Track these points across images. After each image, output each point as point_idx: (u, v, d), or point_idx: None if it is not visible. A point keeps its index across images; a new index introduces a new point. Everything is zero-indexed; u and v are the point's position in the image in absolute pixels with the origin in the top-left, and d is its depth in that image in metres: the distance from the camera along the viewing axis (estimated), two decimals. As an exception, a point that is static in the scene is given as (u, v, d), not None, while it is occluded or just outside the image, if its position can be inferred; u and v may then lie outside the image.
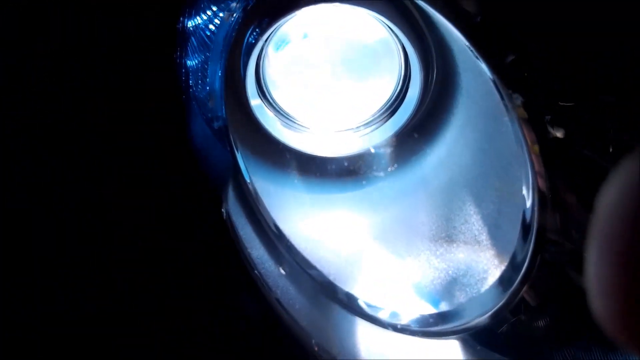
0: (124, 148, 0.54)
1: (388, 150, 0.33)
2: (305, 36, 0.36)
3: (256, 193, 0.33)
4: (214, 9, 0.35)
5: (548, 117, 0.28)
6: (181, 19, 0.38)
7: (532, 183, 0.28)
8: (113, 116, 0.48)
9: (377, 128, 0.34)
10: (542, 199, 0.27)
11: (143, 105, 0.45)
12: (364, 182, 0.33)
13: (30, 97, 0.54)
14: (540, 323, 0.27)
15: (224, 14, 0.35)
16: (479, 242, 0.32)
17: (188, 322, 0.44)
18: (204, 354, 0.43)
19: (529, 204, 0.28)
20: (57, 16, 0.52)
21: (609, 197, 0.15)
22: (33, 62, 0.53)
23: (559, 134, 0.26)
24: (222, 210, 0.34)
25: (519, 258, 0.29)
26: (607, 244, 0.15)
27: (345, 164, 0.34)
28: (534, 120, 0.27)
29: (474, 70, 0.31)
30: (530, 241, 0.28)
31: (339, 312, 0.31)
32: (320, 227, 0.33)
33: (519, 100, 0.26)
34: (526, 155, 0.27)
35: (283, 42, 0.35)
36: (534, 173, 0.28)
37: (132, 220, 0.49)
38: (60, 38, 0.53)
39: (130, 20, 0.46)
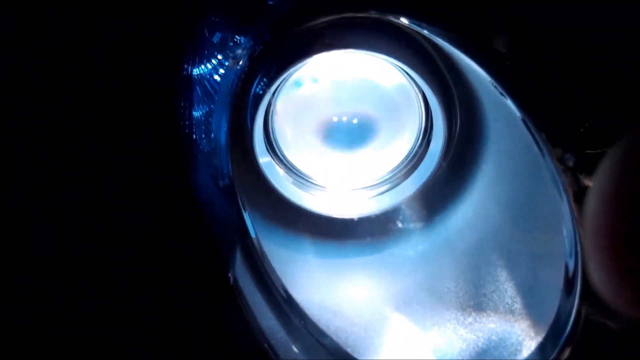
0: (124, 148, 0.54)
1: (409, 210, 0.31)
2: (315, 81, 0.34)
3: (265, 257, 0.30)
4: (219, 57, 0.33)
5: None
6: (185, 65, 0.36)
7: (574, 242, 0.25)
8: (113, 116, 0.47)
9: (396, 186, 0.31)
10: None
11: (144, 105, 0.44)
12: (383, 246, 0.31)
13: (30, 97, 0.54)
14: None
15: (229, 61, 0.33)
16: (512, 311, 0.29)
17: (188, 322, 0.42)
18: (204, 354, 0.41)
19: (571, 267, 0.25)
20: (57, 16, 0.52)
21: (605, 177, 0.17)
22: (33, 62, 0.53)
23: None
24: (229, 275, 0.31)
25: (560, 326, 0.26)
26: (604, 220, 0.16)
27: (364, 225, 0.31)
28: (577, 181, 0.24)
29: (503, 118, 0.28)
30: (572, 310, 0.25)
31: None
32: (335, 294, 0.31)
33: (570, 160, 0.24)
34: (568, 210, 0.24)
35: (292, 91, 0.33)
36: (576, 229, 0.25)
37: (132, 220, 0.49)
38: (60, 38, 0.53)
39: (130, 20, 0.45)
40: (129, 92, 0.43)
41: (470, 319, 0.29)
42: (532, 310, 0.28)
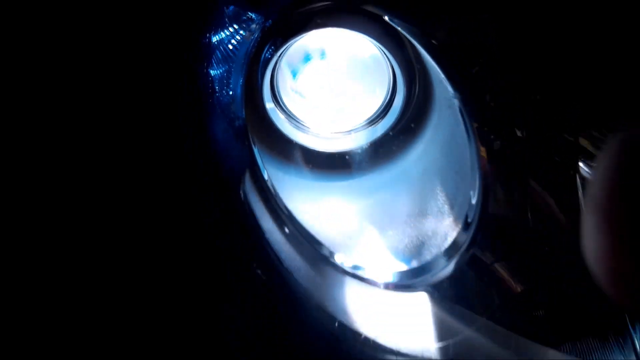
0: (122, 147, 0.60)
1: (378, 148, 0.41)
2: (309, 58, 0.44)
3: (269, 179, 0.41)
4: (236, 27, 0.43)
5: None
6: (207, 34, 0.46)
7: (477, 174, 0.36)
8: (143, 78, 0.54)
9: (369, 129, 0.42)
10: (486, 179, 0.36)
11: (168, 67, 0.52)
12: (358, 174, 0.42)
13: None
14: (491, 276, 0.35)
15: (245, 32, 0.43)
16: (442, 214, 0.40)
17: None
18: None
19: (477, 185, 0.37)
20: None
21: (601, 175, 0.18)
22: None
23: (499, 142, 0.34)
24: (240, 192, 0.41)
25: (470, 221, 0.38)
26: (599, 216, 0.17)
27: (343, 158, 0.42)
28: (483, 134, 0.36)
29: (443, 86, 0.39)
30: (478, 212, 0.37)
31: (334, 275, 0.39)
32: (323, 209, 0.41)
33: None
34: (475, 153, 0.36)
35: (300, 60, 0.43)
36: (480, 164, 0.36)
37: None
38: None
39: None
40: (156, 57, 0.52)
41: (415, 222, 0.41)
42: (455, 212, 0.40)
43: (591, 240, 0.19)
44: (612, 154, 0.19)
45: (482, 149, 0.33)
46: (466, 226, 0.36)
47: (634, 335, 0.35)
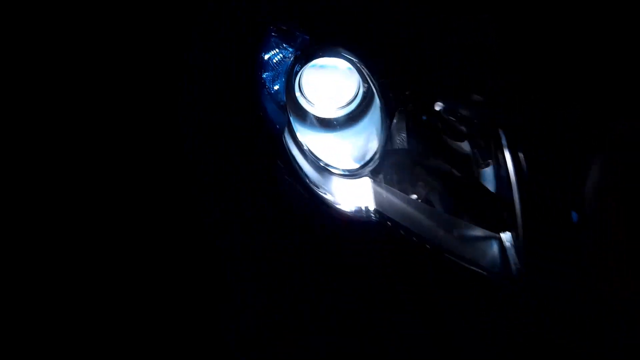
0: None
1: (349, 116, 0.84)
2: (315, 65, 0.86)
3: (296, 131, 0.83)
4: (281, 54, 0.85)
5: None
6: (263, 54, 0.88)
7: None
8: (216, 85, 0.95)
9: (346, 107, 0.85)
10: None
11: (239, 76, 0.93)
12: (340, 128, 0.84)
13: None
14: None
15: (285, 56, 0.84)
16: (373, 140, 0.82)
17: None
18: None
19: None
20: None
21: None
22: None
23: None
24: (283, 138, 0.84)
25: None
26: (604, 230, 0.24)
27: (333, 121, 0.85)
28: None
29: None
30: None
31: (328, 175, 0.82)
32: (321, 144, 0.84)
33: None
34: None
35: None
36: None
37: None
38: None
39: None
40: (238, 68, 0.92)
41: (363, 146, 0.83)
42: (378, 140, 0.82)
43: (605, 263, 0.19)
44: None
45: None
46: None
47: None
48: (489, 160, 0.73)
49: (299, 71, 0.83)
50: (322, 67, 0.86)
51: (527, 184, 0.61)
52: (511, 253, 0.66)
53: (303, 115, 0.85)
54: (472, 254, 0.69)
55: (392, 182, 0.78)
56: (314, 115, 0.85)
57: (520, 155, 0.62)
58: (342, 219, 0.78)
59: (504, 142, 0.66)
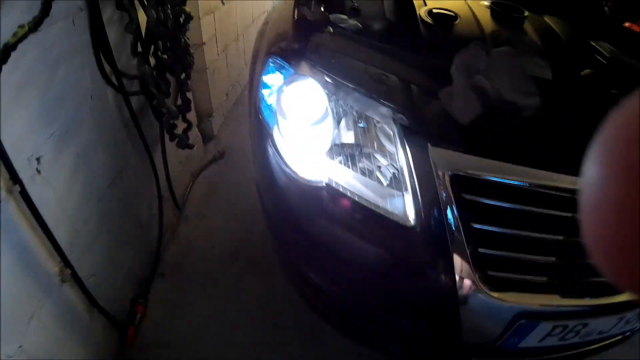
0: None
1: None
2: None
3: (280, 127, 1.25)
4: (273, 75, 1.27)
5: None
6: (262, 76, 1.30)
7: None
8: None
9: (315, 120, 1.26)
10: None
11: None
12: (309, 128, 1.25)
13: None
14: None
15: (279, 74, 1.26)
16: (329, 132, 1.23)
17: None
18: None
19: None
20: None
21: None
22: None
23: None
24: (273, 131, 1.25)
25: None
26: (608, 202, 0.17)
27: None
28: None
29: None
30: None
31: (299, 157, 1.22)
32: (298, 135, 1.25)
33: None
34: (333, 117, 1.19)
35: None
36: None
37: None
38: None
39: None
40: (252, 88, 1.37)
41: None
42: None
43: (595, 228, 0.18)
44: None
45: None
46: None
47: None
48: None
49: (284, 89, 1.23)
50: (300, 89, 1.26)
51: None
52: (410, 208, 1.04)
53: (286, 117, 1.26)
54: (388, 208, 1.07)
55: (340, 162, 1.18)
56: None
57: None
58: (305, 186, 1.18)
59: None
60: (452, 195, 0.95)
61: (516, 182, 0.96)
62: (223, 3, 2.70)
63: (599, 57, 1.37)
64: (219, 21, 2.63)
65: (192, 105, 2.06)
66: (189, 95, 1.93)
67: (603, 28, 1.67)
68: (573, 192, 0.93)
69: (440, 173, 0.97)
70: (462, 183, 0.97)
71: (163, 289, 1.83)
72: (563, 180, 0.94)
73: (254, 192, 1.77)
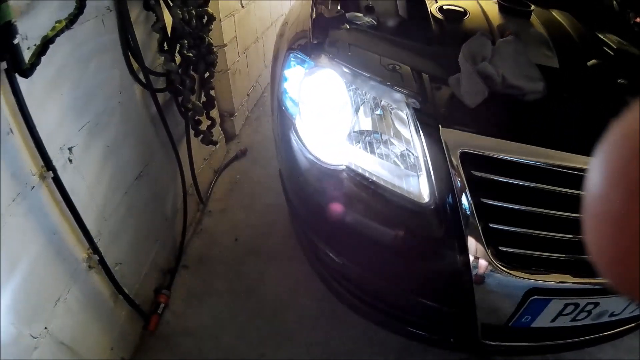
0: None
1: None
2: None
3: (302, 116, 1.28)
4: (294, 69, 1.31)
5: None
6: (284, 70, 1.35)
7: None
8: None
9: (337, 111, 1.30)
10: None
11: None
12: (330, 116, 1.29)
13: None
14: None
15: (300, 66, 1.31)
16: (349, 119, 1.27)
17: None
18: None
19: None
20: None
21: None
22: None
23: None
24: (295, 120, 1.29)
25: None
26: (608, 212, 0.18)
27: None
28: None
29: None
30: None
31: (321, 144, 1.26)
32: (318, 124, 1.28)
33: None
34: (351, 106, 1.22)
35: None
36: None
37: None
38: None
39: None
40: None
41: None
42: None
43: (598, 239, 0.18)
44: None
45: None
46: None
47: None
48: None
49: (305, 80, 1.27)
50: (320, 79, 1.30)
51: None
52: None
53: (308, 106, 1.30)
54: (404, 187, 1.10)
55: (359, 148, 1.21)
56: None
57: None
58: (326, 169, 1.21)
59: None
60: (462, 173, 0.98)
61: (522, 160, 0.99)
62: (242, 5, 2.76)
63: (606, 48, 1.39)
64: (239, 24, 2.70)
65: (215, 103, 2.12)
66: (213, 93, 1.98)
67: (611, 22, 1.67)
68: (579, 170, 0.95)
69: (451, 152, 1.00)
70: (471, 161, 1.00)
71: (186, 280, 1.88)
72: (566, 158, 0.97)
73: (275, 188, 1.79)
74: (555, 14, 1.63)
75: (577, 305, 1.08)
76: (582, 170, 0.94)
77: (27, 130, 0.98)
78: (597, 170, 0.19)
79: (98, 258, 1.30)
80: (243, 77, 2.94)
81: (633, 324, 1.26)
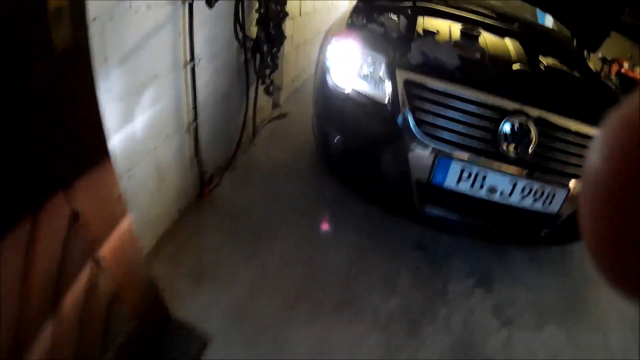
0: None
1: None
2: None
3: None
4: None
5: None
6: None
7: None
8: None
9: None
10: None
11: None
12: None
13: None
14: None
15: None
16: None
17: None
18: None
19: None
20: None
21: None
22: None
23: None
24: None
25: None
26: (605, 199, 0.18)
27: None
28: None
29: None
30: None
31: None
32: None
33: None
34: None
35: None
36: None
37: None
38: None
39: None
40: None
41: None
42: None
43: (592, 226, 0.18)
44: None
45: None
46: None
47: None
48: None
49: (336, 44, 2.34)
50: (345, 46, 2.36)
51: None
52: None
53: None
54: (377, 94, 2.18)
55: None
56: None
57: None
58: (341, 92, 2.28)
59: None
60: (403, 89, 2.03)
61: (432, 86, 2.04)
62: (300, 14, 3.90)
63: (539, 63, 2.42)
64: (296, 26, 3.79)
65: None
66: (277, 61, 3.08)
67: (564, 55, 2.64)
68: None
69: (400, 80, 2.06)
70: (410, 84, 2.04)
71: (232, 176, 2.83)
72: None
73: (305, 139, 2.87)
74: (506, 41, 2.66)
75: (470, 172, 2.05)
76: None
77: (189, 41, 2.01)
78: (595, 153, 0.19)
79: (195, 125, 2.32)
80: (291, 64, 4.04)
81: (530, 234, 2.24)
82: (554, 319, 2.26)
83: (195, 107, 2.22)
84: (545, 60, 2.40)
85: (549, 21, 3.23)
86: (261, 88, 2.98)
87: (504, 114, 1.98)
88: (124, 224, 1.29)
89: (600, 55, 2.91)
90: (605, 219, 0.18)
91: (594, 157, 0.19)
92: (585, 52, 2.97)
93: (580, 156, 2.01)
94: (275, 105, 3.89)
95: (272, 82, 3.03)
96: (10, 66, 0.81)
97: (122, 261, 1.37)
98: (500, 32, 2.66)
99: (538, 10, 3.18)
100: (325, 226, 2.59)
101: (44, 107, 0.91)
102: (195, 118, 2.26)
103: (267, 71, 2.86)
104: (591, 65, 2.71)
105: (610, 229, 0.18)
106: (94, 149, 1.11)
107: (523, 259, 2.66)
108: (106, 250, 1.26)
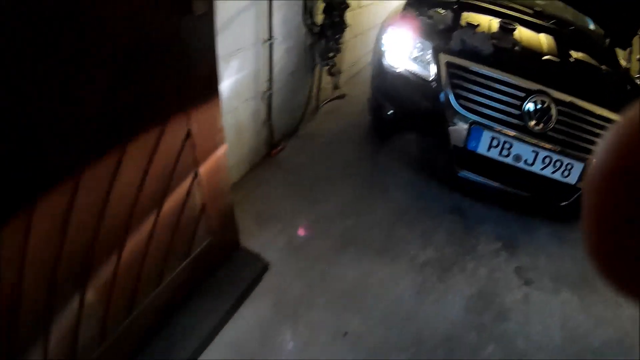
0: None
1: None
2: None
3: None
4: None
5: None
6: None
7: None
8: None
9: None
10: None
11: None
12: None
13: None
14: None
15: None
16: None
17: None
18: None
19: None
20: None
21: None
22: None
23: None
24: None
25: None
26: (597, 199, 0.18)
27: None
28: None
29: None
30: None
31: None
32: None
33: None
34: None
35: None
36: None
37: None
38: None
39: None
40: None
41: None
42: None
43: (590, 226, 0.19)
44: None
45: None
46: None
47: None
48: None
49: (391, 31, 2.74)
50: (399, 33, 2.75)
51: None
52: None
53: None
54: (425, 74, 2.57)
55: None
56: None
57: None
58: (394, 71, 2.67)
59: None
60: (446, 70, 2.39)
61: (475, 68, 2.38)
62: (359, 7, 4.30)
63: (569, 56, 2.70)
64: (354, 17, 4.17)
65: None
66: (339, 46, 3.50)
67: (596, 52, 2.88)
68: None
69: (442, 62, 2.41)
70: (451, 66, 2.40)
71: (296, 142, 3.29)
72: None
73: (359, 117, 3.28)
74: (540, 35, 2.96)
75: (498, 141, 2.39)
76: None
77: (268, 21, 2.46)
78: (600, 154, 0.19)
79: (269, 94, 2.76)
80: (350, 51, 4.45)
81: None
82: (571, 286, 2.45)
83: (270, 79, 2.67)
84: (576, 55, 2.66)
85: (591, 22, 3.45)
86: (324, 69, 3.41)
87: (528, 94, 2.31)
88: (220, 151, 1.74)
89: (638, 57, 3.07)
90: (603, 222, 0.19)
91: (601, 152, 0.19)
92: (619, 50, 3.17)
93: (597, 135, 2.28)
94: (336, 87, 4.32)
95: (334, 64, 3.45)
96: (170, 17, 1.28)
97: (212, 181, 1.78)
98: (536, 28, 2.95)
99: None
100: (374, 187, 2.99)
101: (184, 50, 1.38)
102: (270, 87, 2.71)
103: (331, 54, 3.28)
104: (622, 62, 2.92)
105: (608, 230, 0.19)
106: (209, 86, 1.58)
107: (547, 232, 2.93)
108: (204, 168, 1.69)
